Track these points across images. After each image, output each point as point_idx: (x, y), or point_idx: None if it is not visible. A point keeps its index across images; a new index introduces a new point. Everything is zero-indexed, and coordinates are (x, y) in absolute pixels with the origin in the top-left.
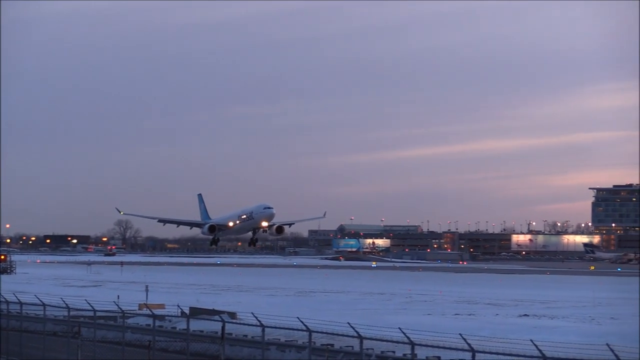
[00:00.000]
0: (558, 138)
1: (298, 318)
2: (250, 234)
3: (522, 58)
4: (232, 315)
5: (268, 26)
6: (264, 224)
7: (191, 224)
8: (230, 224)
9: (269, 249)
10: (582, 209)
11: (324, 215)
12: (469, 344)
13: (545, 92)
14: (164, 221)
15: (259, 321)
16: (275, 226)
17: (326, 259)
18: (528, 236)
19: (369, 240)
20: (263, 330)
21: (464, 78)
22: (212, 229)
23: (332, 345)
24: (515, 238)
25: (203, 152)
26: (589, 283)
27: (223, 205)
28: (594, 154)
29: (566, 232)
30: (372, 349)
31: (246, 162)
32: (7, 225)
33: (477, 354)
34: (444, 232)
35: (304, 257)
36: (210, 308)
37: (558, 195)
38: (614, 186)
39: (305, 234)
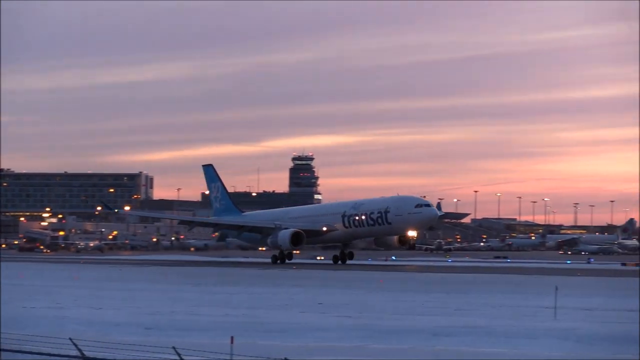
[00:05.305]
0: None
1: None
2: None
3: None
4: None
5: None
6: (410, 233)
7: (238, 228)
8: (325, 228)
9: None
10: None
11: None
12: None
13: None
14: (185, 223)
15: None
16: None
17: None
18: None
19: None
20: None
21: None
22: (298, 238)
23: None
24: None
25: None
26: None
27: None
28: None
29: None
30: None
31: None
32: None
33: None
34: None
35: None
36: None
37: None
38: None
39: None
